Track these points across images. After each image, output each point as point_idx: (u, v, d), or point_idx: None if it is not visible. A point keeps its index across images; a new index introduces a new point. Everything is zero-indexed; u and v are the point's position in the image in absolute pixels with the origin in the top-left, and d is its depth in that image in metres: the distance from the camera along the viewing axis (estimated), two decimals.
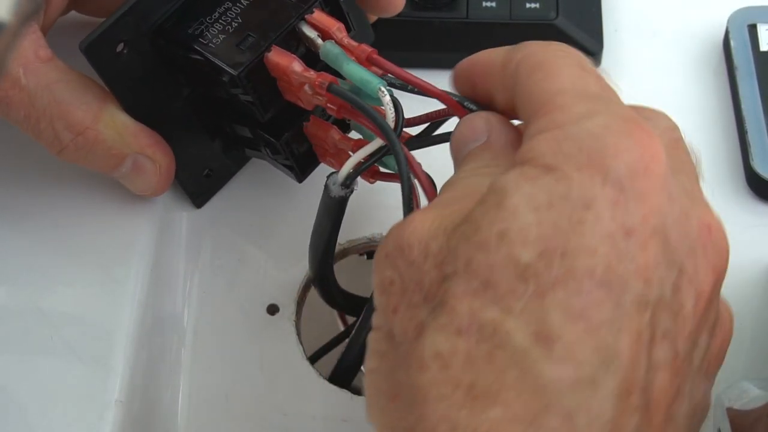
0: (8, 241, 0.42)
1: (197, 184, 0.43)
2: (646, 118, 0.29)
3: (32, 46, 0.38)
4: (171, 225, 0.43)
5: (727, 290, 0.41)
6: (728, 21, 0.48)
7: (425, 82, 0.35)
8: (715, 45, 0.49)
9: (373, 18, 0.42)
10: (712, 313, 0.28)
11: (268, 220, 0.44)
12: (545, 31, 0.47)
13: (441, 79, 0.48)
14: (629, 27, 0.50)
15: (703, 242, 0.27)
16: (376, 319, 0.29)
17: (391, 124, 0.34)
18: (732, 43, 0.47)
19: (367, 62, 0.36)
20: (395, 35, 0.44)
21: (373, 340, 0.29)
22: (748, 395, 0.34)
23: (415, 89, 0.35)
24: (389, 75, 0.36)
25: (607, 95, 0.29)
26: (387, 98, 0.34)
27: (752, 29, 0.47)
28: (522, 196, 0.26)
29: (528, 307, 0.25)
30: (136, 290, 0.40)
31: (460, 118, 0.33)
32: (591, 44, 0.47)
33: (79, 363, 0.38)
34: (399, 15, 0.45)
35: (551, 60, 0.29)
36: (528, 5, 0.47)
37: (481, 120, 0.32)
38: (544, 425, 0.24)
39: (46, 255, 0.41)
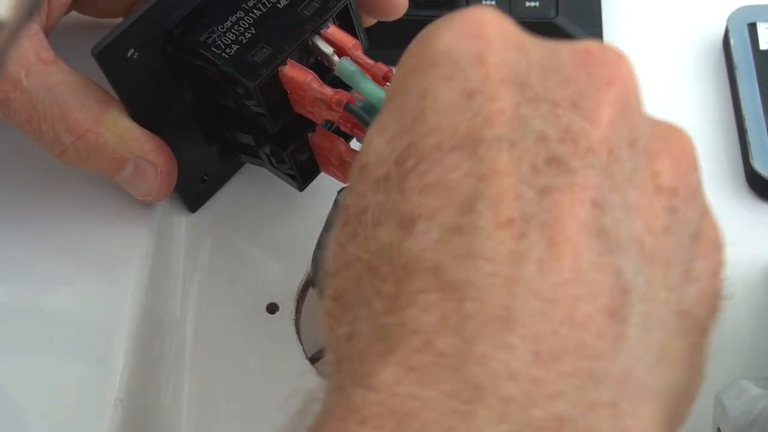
0: (8, 240, 0.42)
1: (193, 189, 0.43)
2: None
3: (34, 47, 0.38)
4: (171, 225, 0.43)
5: (727, 289, 0.41)
6: (728, 20, 0.48)
7: None
8: (715, 44, 0.49)
9: (371, 21, 0.42)
10: (640, 130, 0.27)
11: (267, 219, 0.44)
12: (545, 29, 0.47)
13: None
14: (629, 26, 0.50)
15: (584, 66, 0.26)
16: None
17: None
18: (732, 41, 0.47)
19: (383, 80, 0.36)
20: (395, 34, 0.44)
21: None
22: (747, 394, 0.34)
23: None
24: None
25: None
26: None
27: (752, 28, 0.47)
28: (376, 124, 0.27)
29: (390, 206, 0.25)
30: (136, 290, 0.40)
31: None
32: None
33: (79, 362, 0.38)
34: None
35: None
36: (528, 4, 0.47)
37: None
38: (407, 288, 0.24)
39: (46, 255, 0.41)
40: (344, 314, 0.26)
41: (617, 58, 0.27)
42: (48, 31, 0.39)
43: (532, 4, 0.47)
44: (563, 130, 0.25)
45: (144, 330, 0.39)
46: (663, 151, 0.27)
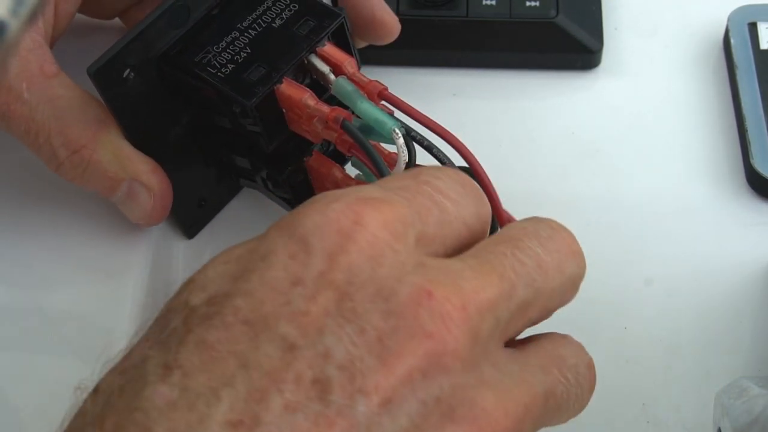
0: (9, 240, 0.42)
1: (190, 215, 0.43)
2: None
3: (38, 60, 0.38)
4: (171, 225, 0.43)
5: (727, 289, 0.42)
6: (728, 19, 0.48)
7: (434, 121, 0.35)
8: (715, 43, 0.49)
9: (363, 44, 0.42)
10: (442, 391, 0.25)
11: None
12: (545, 29, 0.47)
13: (440, 77, 0.48)
14: (629, 25, 0.50)
15: (416, 306, 0.25)
16: None
17: (403, 166, 0.34)
18: (732, 41, 0.47)
19: (377, 98, 0.36)
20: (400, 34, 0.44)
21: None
22: (747, 394, 0.34)
23: (423, 128, 0.35)
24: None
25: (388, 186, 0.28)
26: (401, 141, 0.34)
27: (752, 27, 0.47)
28: (227, 252, 0.27)
29: (170, 340, 0.25)
30: (136, 290, 0.40)
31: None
32: (591, 42, 0.47)
33: (79, 362, 0.38)
34: (399, 13, 0.45)
35: None
36: (528, 3, 0.47)
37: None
38: None
39: (46, 255, 0.41)
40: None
41: (454, 312, 0.25)
42: (53, 43, 0.39)
43: (533, 3, 0.47)
44: (349, 360, 0.24)
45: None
46: (462, 424, 0.25)
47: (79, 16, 0.43)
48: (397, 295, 0.25)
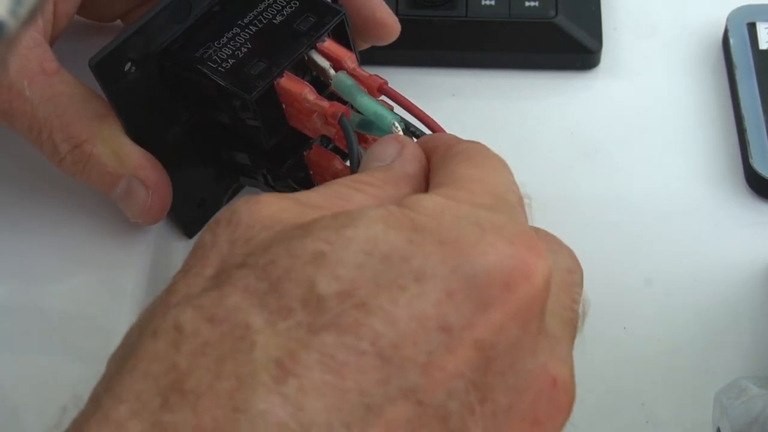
0: (9, 240, 0.42)
1: (190, 214, 0.43)
2: (550, 249, 0.27)
3: (38, 58, 0.38)
4: (171, 224, 0.43)
5: (727, 289, 0.42)
6: (727, 19, 0.48)
7: (432, 119, 0.35)
8: (715, 43, 0.49)
9: (364, 46, 0.42)
10: None
11: None
12: (544, 29, 0.47)
13: (440, 78, 0.48)
14: (628, 25, 0.50)
15: (536, 391, 0.24)
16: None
17: None
18: (731, 41, 0.47)
19: (377, 92, 0.36)
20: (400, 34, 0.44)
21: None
22: (746, 394, 0.34)
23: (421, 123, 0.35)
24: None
25: (516, 205, 0.27)
26: (400, 134, 0.34)
27: (751, 27, 0.47)
28: (366, 232, 0.24)
29: (290, 332, 0.23)
30: (136, 289, 0.40)
31: None
32: (590, 42, 0.47)
33: (79, 361, 0.38)
34: (398, 13, 0.45)
35: (485, 155, 0.29)
36: (527, 3, 0.47)
37: (394, 144, 0.30)
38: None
39: (46, 254, 0.41)
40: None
41: (567, 405, 0.25)
42: (53, 41, 0.39)
43: (532, 3, 0.47)
44: (462, 428, 0.23)
45: None
46: None
47: (79, 18, 0.43)
48: (528, 377, 0.24)
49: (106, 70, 0.36)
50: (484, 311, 0.23)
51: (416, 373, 0.23)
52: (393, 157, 0.30)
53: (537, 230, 0.28)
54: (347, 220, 0.24)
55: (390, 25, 0.41)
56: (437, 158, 0.30)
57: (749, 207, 0.44)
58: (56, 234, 0.42)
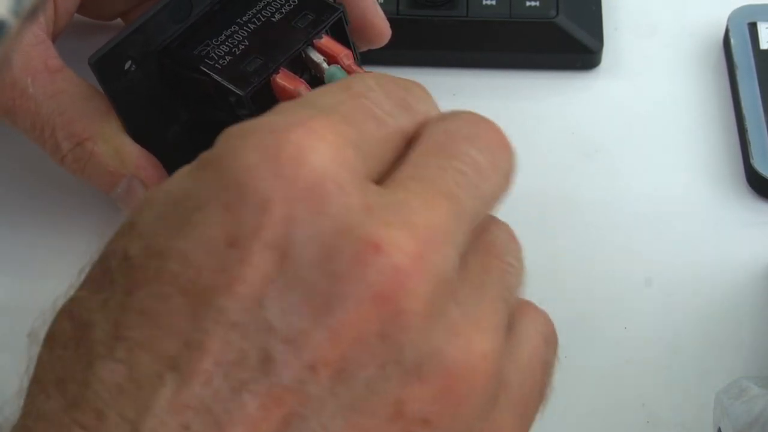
0: (9, 239, 0.42)
1: None
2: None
3: (41, 55, 0.38)
4: None
5: (727, 289, 0.42)
6: (728, 19, 0.48)
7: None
8: (715, 43, 0.49)
9: (360, 48, 0.42)
10: (404, 353, 0.23)
11: None
12: (545, 29, 0.47)
13: (440, 78, 0.48)
14: (629, 25, 0.50)
15: (362, 265, 0.23)
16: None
17: None
18: (732, 41, 0.47)
19: None
20: (395, 34, 0.44)
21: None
22: (747, 394, 0.34)
23: None
24: None
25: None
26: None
27: (752, 27, 0.47)
28: (165, 186, 0.25)
29: (113, 302, 0.24)
30: None
31: None
32: (591, 42, 0.47)
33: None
34: (399, 13, 0.45)
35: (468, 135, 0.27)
36: (528, 3, 0.47)
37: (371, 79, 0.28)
38: (76, 419, 0.23)
39: (46, 253, 0.41)
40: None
41: (406, 262, 0.23)
42: (55, 38, 0.40)
43: (533, 3, 0.47)
44: (294, 333, 0.22)
45: None
46: (431, 379, 0.23)
47: (80, 17, 0.43)
48: (343, 254, 0.23)
49: (105, 68, 0.36)
50: (265, 210, 0.23)
51: (222, 297, 0.22)
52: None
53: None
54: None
55: (379, 28, 0.41)
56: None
57: (750, 207, 0.44)
58: (56, 233, 0.42)
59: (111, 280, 0.24)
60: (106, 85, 0.37)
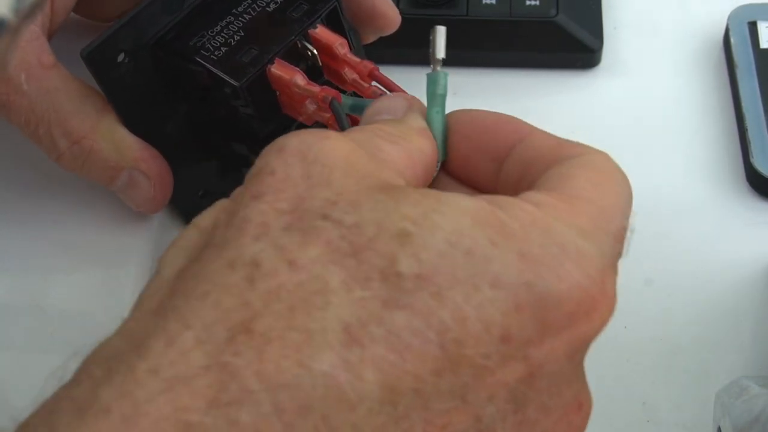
0: (9, 239, 0.42)
1: (191, 205, 0.43)
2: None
3: (36, 51, 0.38)
4: (172, 222, 0.43)
5: (727, 289, 0.42)
6: (728, 18, 0.48)
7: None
8: (716, 42, 0.49)
9: (369, 38, 0.42)
10: None
11: None
12: (545, 28, 0.47)
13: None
14: (629, 24, 0.50)
15: (562, 413, 0.25)
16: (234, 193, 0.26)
17: None
18: (732, 40, 0.47)
19: (368, 78, 0.36)
20: (396, 32, 0.44)
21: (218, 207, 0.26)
22: (748, 393, 0.34)
23: None
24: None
25: (614, 238, 0.27)
26: (435, 173, 0.33)
27: (752, 26, 0.47)
28: (453, 223, 0.24)
29: (365, 302, 0.23)
30: (137, 286, 0.40)
31: None
32: (591, 41, 0.47)
33: (78, 358, 0.38)
34: (400, 12, 0.45)
35: (610, 171, 0.28)
36: (528, 2, 0.47)
37: (401, 100, 0.31)
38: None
39: (47, 253, 0.41)
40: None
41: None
42: (50, 35, 0.39)
43: (533, 2, 0.47)
44: None
45: None
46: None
47: (77, 16, 0.43)
48: (560, 400, 0.25)
49: (98, 61, 0.36)
50: (544, 333, 0.24)
51: (469, 374, 0.23)
52: (403, 111, 0.30)
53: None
54: (436, 204, 0.24)
55: (390, 16, 0.41)
56: (552, 153, 0.28)
57: (750, 206, 0.44)
58: (56, 231, 0.42)
59: (367, 276, 0.23)
60: (100, 77, 0.37)
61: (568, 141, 0.28)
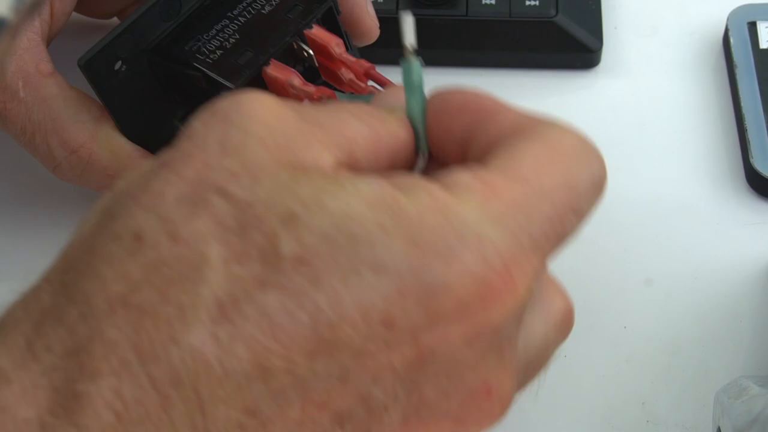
0: (9, 238, 0.41)
1: None
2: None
3: (33, 59, 0.38)
4: None
5: (727, 289, 0.42)
6: (728, 18, 0.48)
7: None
8: (715, 42, 0.49)
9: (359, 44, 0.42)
10: None
11: None
12: (545, 28, 0.47)
13: (440, 77, 0.48)
14: (629, 24, 0.50)
15: (467, 396, 0.25)
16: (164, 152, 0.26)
17: None
18: (732, 40, 0.47)
19: (365, 77, 0.36)
20: (394, 33, 0.44)
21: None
22: (747, 393, 0.34)
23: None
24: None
25: (543, 227, 0.25)
26: (422, 165, 0.32)
27: (752, 27, 0.47)
28: (344, 206, 0.24)
29: (240, 279, 0.23)
30: None
31: None
32: (590, 42, 0.47)
33: None
34: (398, 13, 0.45)
35: (572, 144, 0.26)
36: (527, 2, 0.47)
37: (401, 96, 0.30)
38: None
39: (48, 257, 0.41)
40: None
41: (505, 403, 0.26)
42: (49, 40, 0.39)
43: (532, 2, 0.47)
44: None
45: None
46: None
47: (76, 15, 0.43)
48: (462, 384, 0.25)
49: (95, 70, 0.36)
50: (435, 319, 0.23)
51: (348, 356, 0.23)
52: (400, 103, 0.29)
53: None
54: (332, 187, 0.24)
55: (366, 25, 0.41)
56: (513, 130, 0.27)
57: (749, 206, 0.44)
58: (57, 235, 0.42)
59: (246, 254, 0.23)
60: (97, 85, 0.37)
61: (532, 116, 0.27)
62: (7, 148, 0.43)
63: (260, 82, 0.37)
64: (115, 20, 0.45)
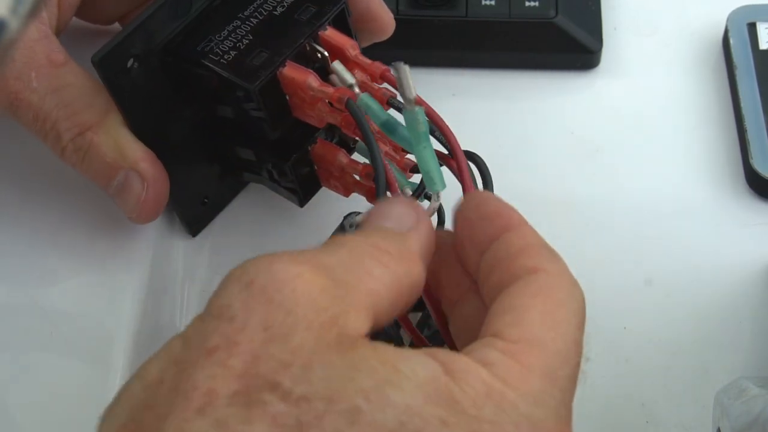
0: (10, 238, 0.42)
1: (194, 212, 0.43)
2: None
3: (45, 50, 0.38)
4: (171, 224, 0.43)
5: (727, 289, 0.42)
6: (728, 19, 0.48)
7: (450, 132, 0.33)
8: (715, 43, 0.49)
9: (363, 43, 0.42)
10: None
11: (268, 236, 0.44)
12: (544, 29, 0.47)
13: (440, 78, 0.48)
14: (629, 25, 0.50)
15: None
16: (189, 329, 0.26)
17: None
18: (731, 41, 0.47)
19: (380, 79, 0.36)
20: (395, 33, 0.44)
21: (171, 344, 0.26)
22: (747, 393, 0.34)
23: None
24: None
25: (567, 386, 0.26)
26: (436, 204, 0.32)
27: (752, 28, 0.47)
28: (407, 399, 0.23)
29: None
30: (137, 289, 0.40)
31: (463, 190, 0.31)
32: (590, 42, 0.47)
33: (79, 361, 0.38)
34: (399, 13, 0.45)
35: (558, 299, 0.27)
36: (527, 3, 0.47)
37: (410, 212, 0.29)
38: None
39: (47, 253, 0.41)
40: None
41: None
42: (59, 33, 0.40)
43: (532, 3, 0.47)
44: None
45: (144, 328, 0.39)
46: None
47: (78, 20, 0.43)
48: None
49: (109, 67, 0.36)
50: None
51: None
52: (408, 227, 0.29)
53: None
54: (392, 375, 0.24)
55: (383, 20, 0.41)
56: (514, 259, 0.28)
57: (749, 207, 0.44)
58: (57, 234, 0.42)
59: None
60: (109, 82, 0.37)
61: (531, 247, 0.28)
62: (7, 148, 0.44)
63: (275, 83, 0.37)
64: (116, 26, 0.45)
